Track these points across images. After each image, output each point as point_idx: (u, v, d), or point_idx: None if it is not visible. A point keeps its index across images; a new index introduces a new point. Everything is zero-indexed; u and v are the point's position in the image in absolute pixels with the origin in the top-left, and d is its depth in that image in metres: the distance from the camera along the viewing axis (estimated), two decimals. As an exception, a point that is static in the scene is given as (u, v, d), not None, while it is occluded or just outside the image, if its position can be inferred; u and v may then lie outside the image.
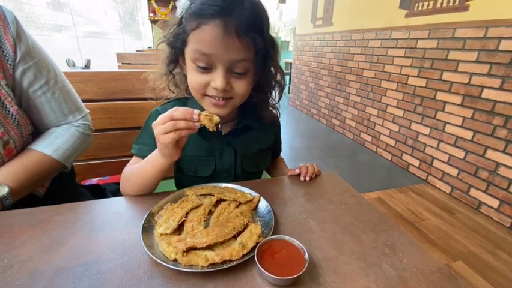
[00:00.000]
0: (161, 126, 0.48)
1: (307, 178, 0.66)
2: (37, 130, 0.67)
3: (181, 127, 0.48)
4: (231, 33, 0.48)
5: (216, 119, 0.50)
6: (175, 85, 0.66)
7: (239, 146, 0.67)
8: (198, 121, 0.49)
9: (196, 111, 0.49)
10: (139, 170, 0.58)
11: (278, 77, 0.65)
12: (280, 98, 0.70)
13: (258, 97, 0.65)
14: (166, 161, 0.54)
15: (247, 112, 0.68)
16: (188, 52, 0.53)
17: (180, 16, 0.53)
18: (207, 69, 0.52)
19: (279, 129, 0.79)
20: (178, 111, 0.48)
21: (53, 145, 0.63)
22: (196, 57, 0.52)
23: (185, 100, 0.68)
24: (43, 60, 0.63)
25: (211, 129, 0.50)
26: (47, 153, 0.61)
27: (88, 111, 0.75)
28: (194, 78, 0.55)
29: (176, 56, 0.59)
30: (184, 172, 0.68)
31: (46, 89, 0.63)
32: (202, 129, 0.57)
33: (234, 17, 0.48)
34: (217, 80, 0.52)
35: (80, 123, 0.70)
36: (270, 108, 0.71)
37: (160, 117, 0.49)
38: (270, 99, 0.68)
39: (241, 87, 0.55)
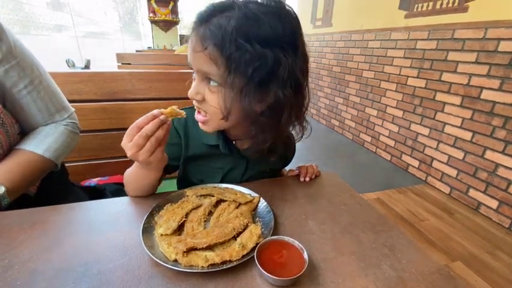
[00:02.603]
0: (129, 144, 0.45)
1: (307, 179, 0.66)
2: (24, 130, 0.67)
3: (151, 130, 0.45)
4: (198, 42, 0.47)
5: (181, 112, 0.51)
6: None
7: (253, 163, 0.66)
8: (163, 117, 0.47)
9: (157, 111, 0.47)
10: (135, 175, 0.57)
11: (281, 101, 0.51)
12: (299, 137, 0.61)
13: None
14: (155, 173, 0.54)
15: None
16: None
17: None
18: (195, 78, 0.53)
19: (294, 153, 0.76)
20: (140, 119, 0.46)
21: (43, 144, 0.63)
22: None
23: None
24: (26, 59, 0.62)
25: (176, 116, 0.50)
26: (38, 152, 0.61)
27: (74, 109, 0.74)
28: None
29: None
30: (191, 179, 0.66)
31: (31, 89, 0.63)
32: (220, 143, 0.60)
33: (207, 24, 0.46)
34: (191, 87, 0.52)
35: (68, 121, 0.70)
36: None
37: (125, 136, 0.46)
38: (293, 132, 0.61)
39: (211, 100, 0.50)
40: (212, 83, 0.49)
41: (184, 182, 0.66)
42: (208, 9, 0.47)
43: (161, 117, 0.46)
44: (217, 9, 0.47)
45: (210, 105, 0.51)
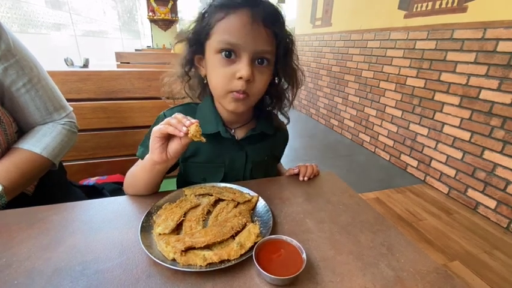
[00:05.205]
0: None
1: (306, 178, 0.66)
2: (22, 129, 0.66)
3: (171, 123, 0.48)
4: (259, 22, 0.51)
5: (202, 139, 0.49)
6: (190, 88, 0.66)
7: (251, 152, 0.66)
8: (188, 126, 0.47)
9: (194, 120, 0.49)
10: (136, 170, 0.58)
11: (297, 75, 0.65)
12: (294, 97, 0.69)
13: (274, 96, 0.68)
14: (151, 157, 0.51)
15: (262, 118, 0.68)
16: (213, 45, 0.54)
17: (203, 11, 0.55)
18: (232, 60, 0.53)
19: (287, 138, 0.79)
20: (182, 115, 0.50)
21: (41, 143, 0.63)
22: (222, 47, 0.52)
23: (196, 106, 0.66)
24: (25, 58, 0.62)
25: (190, 137, 0.48)
26: (36, 151, 0.61)
27: (72, 109, 0.74)
28: (218, 73, 0.54)
29: (192, 56, 0.60)
30: (193, 180, 0.65)
31: (30, 87, 0.62)
32: (217, 134, 0.60)
33: (260, 8, 0.51)
34: (242, 69, 0.52)
35: (66, 121, 0.70)
36: (281, 113, 0.72)
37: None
38: (285, 101, 0.69)
39: (261, 80, 0.56)
40: (264, 62, 0.55)
41: (185, 183, 0.65)
42: None
43: (184, 129, 0.47)
44: None
45: (257, 85, 0.56)
